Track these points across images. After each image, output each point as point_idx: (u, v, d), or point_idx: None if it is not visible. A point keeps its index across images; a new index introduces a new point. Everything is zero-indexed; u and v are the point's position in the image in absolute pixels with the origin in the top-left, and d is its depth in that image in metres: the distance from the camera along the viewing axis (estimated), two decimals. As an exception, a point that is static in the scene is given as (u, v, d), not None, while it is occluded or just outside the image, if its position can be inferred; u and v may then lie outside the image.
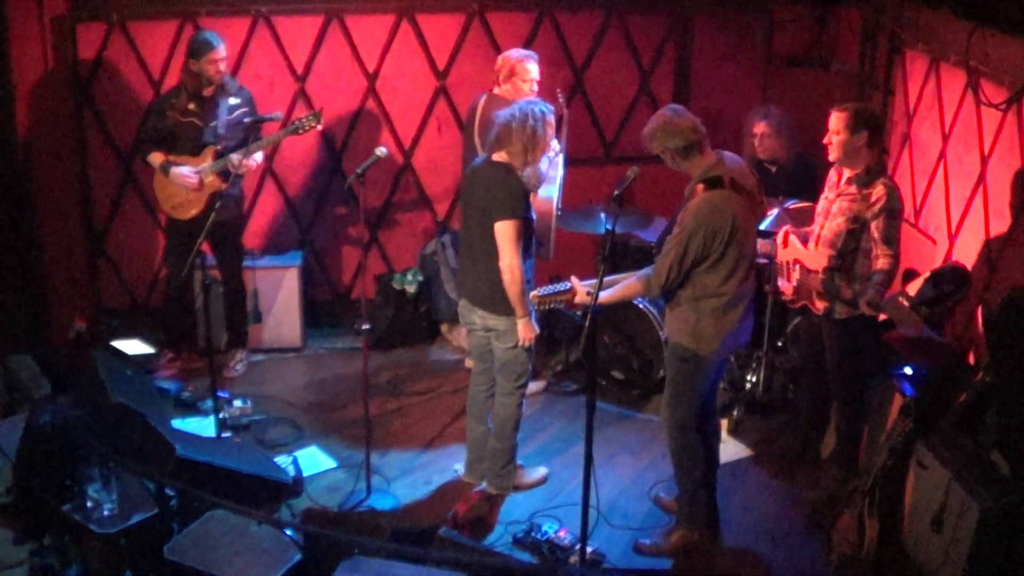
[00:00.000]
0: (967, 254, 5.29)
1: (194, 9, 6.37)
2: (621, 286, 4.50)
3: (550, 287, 4.55)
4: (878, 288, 4.60)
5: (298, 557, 4.01)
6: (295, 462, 5.31)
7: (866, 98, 6.36)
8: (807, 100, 6.49)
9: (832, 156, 4.81)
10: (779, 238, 5.29)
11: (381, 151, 5.03)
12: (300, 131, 5.79)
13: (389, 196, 6.97)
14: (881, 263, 4.67)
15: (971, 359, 5.09)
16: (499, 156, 4.80)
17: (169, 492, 4.30)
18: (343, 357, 6.65)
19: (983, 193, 5.19)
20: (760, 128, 5.99)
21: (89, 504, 4.20)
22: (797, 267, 5.10)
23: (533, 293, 4.59)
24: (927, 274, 5.15)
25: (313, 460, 5.50)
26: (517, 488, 5.21)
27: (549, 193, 5.67)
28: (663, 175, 4.82)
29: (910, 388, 4.77)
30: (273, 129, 6.10)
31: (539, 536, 4.81)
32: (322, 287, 7.09)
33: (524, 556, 4.74)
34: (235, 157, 5.81)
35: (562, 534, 4.80)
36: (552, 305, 4.60)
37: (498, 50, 6.44)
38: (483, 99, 5.84)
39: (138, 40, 6.41)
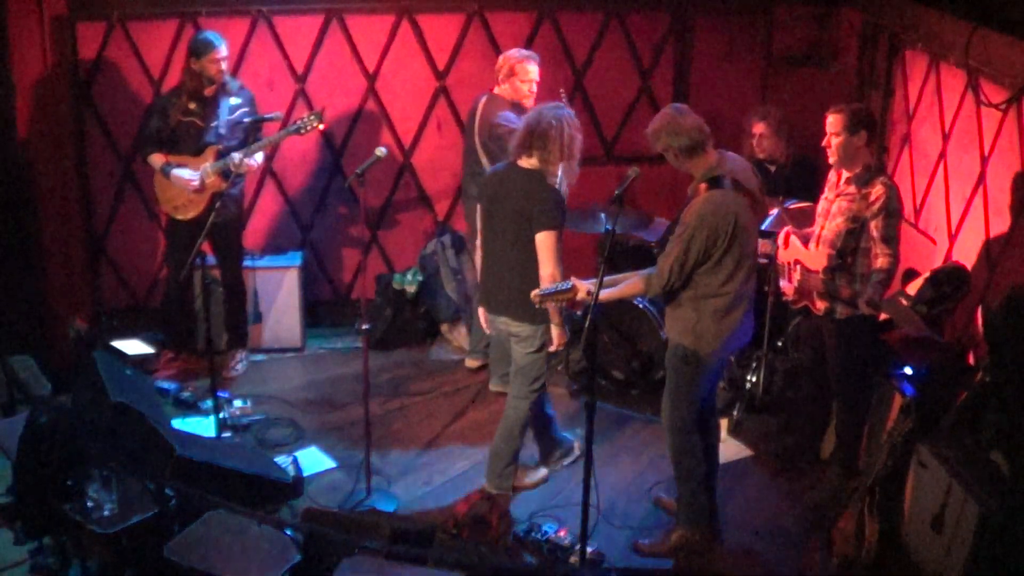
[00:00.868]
0: (967, 254, 5.29)
1: (194, 9, 6.36)
2: (622, 285, 4.51)
3: (551, 286, 4.56)
4: (878, 288, 4.60)
5: (298, 557, 4.01)
6: (295, 462, 5.31)
7: (866, 98, 6.36)
8: (807, 100, 6.48)
9: (832, 159, 4.81)
10: (780, 239, 5.29)
11: (381, 151, 5.03)
12: (302, 131, 5.79)
13: (389, 196, 6.97)
14: (881, 263, 4.67)
15: (971, 359, 5.08)
16: (528, 162, 4.77)
17: (169, 492, 4.29)
18: (343, 357, 6.65)
19: (983, 193, 5.19)
20: (759, 129, 6.00)
21: (89, 504, 4.19)
22: (798, 267, 5.10)
23: (534, 292, 4.60)
24: (927, 274, 5.15)
25: (313, 460, 5.50)
26: (516, 489, 5.22)
27: None
28: (663, 175, 4.83)
29: (910, 388, 4.77)
30: (274, 129, 6.11)
31: (539, 536, 4.81)
32: (322, 287, 7.09)
33: (524, 556, 4.74)
34: (236, 157, 5.81)
35: (562, 534, 4.80)
36: (553, 304, 4.61)
37: (498, 50, 6.44)
38: (483, 99, 5.84)
39: (138, 40, 6.41)
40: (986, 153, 5.16)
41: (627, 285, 4.52)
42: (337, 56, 6.63)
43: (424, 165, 6.94)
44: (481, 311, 5.10)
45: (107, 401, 4.54)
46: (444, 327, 6.91)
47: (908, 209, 5.78)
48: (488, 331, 5.16)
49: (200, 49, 5.77)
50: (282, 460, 5.26)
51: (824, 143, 4.83)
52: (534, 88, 5.77)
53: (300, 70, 6.63)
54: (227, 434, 5.60)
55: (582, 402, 4.92)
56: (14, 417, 5.15)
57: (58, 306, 6.44)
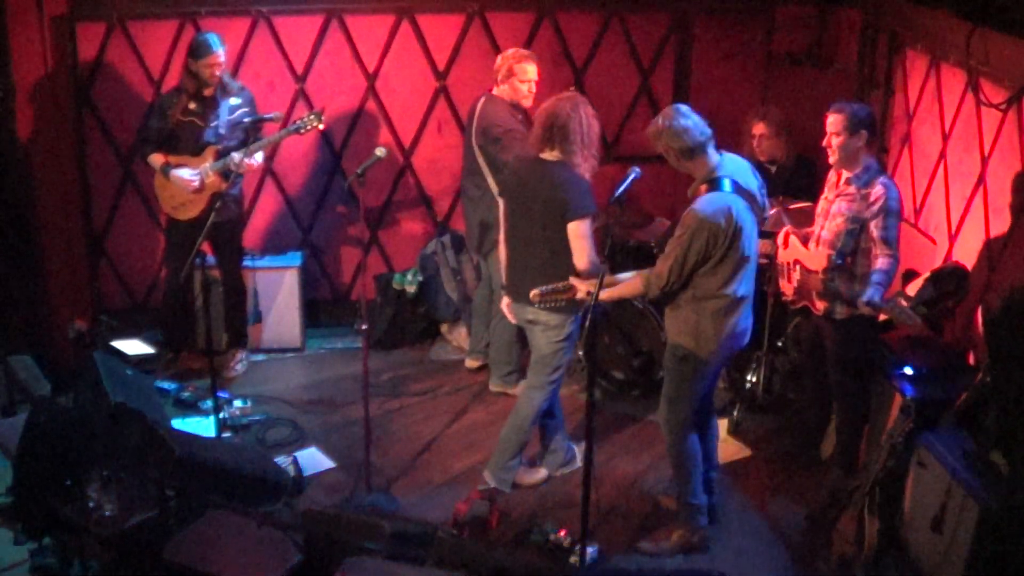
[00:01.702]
0: (967, 254, 5.29)
1: (194, 9, 6.36)
2: (621, 285, 4.51)
3: (550, 285, 4.56)
4: (878, 288, 4.60)
5: (298, 557, 4.01)
6: (295, 462, 5.31)
7: (866, 98, 6.35)
8: (807, 100, 6.48)
9: (832, 159, 4.81)
10: (780, 239, 5.29)
11: (381, 151, 5.03)
12: (302, 131, 5.79)
13: (389, 196, 6.97)
14: (881, 263, 4.67)
15: (971, 359, 5.08)
16: (551, 155, 4.79)
17: (169, 492, 4.29)
18: (343, 357, 6.65)
19: (983, 193, 5.19)
20: (759, 129, 5.99)
21: (89, 504, 4.19)
22: (798, 267, 5.10)
23: (533, 292, 4.60)
24: (927, 274, 5.14)
25: (313, 460, 5.50)
26: (515, 486, 5.22)
27: None
28: (664, 175, 4.83)
29: (910, 388, 4.77)
30: (274, 129, 6.11)
31: (539, 536, 4.81)
32: (322, 287, 7.09)
33: (524, 556, 4.74)
34: (236, 157, 5.81)
35: (562, 534, 4.79)
36: (551, 303, 4.61)
37: (498, 50, 6.43)
38: (482, 100, 5.84)
39: (138, 40, 6.41)
40: (986, 153, 5.16)
41: (626, 285, 4.53)
42: (337, 56, 6.63)
43: (424, 165, 6.94)
44: (506, 302, 5.10)
45: (107, 401, 4.54)
46: (444, 327, 6.90)
47: (908, 209, 5.78)
48: (513, 321, 5.17)
49: (198, 51, 5.77)
50: (282, 460, 5.26)
51: (824, 143, 4.82)
52: (533, 88, 5.77)
53: (300, 70, 6.63)
54: (227, 434, 5.60)
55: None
56: (14, 417, 5.16)
57: (58, 306, 6.44)
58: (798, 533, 4.96)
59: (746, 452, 5.63)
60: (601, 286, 4.19)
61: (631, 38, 6.85)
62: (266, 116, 6.03)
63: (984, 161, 5.17)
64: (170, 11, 6.38)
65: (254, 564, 3.99)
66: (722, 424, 5.68)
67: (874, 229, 4.69)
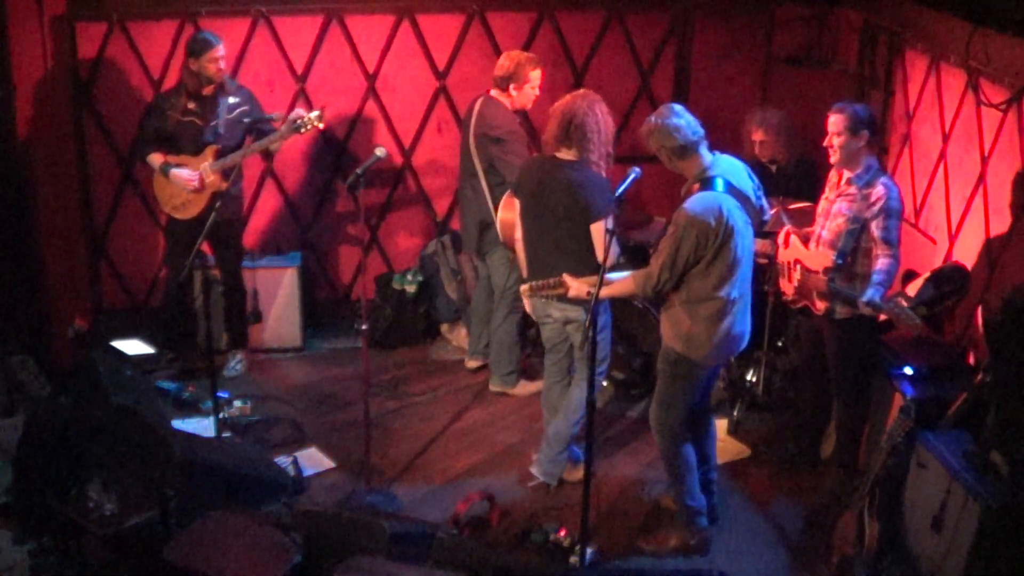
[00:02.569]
0: (967, 254, 5.29)
1: (194, 9, 6.37)
2: (614, 284, 4.47)
3: (541, 281, 4.56)
4: (878, 288, 4.60)
5: (298, 557, 4.01)
6: (295, 462, 5.31)
7: (866, 98, 6.35)
8: (807, 100, 6.49)
9: (833, 159, 4.81)
10: (780, 238, 5.29)
11: (381, 151, 5.03)
12: (302, 130, 5.78)
13: (389, 196, 6.97)
14: (881, 263, 4.67)
15: (971, 359, 5.08)
16: (568, 154, 4.81)
17: (169, 492, 4.30)
18: (343, 357, 6.64)
19: (983, 193, 5.19)
20: (759, 132, 5.98)
21: (89, 504, 4.20)
22: (798, 267, 5.10)
23: (523, 286, 4.61)
24: (927, 274, 5.15)
25: (313, 460, 5.50)
26: (563, 481, 5.24)
27: None
28: (663, 175, 4.81)
29: (910, 388, 4.77)
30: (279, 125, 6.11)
31: (539, 536, 4.81)
32: (322, 287, 7.09)
33: (524, 556, 4.74)
34: (236, 156, 5.83)
35: (562, 534, 4.79)
36: (542, 297, 4.61)
37: (498, 50, 6.44)
38: (480, 101, 5.83)
39: (138, 40, 6.41)
40: (986, 153, 5.16)
41: (619, 283, 4.47)
42: (337, 56, 6.63)
43: (424, 165, 6.94)
44: (530, 304, 5.10)
45: (107, 401, 4.55)
46: (444, 327, 6.90)
47: (908, 209, 5.77)
48: (534, 317, 5.19)
49: (198, 49, 5.77)
50: (282, 460, 5.26)
51: (825, 143, 4.82)
52: (538, 92, 5.79)
53: (300, 70, 6.63)
54: (227, 434, 5.60)
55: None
56: (14, 418, 5.16)
57: (58, 306, 6.44)
58: (798, 533, 4.96)
59: (746, 452, 5.63)
60: (600, 286, 4.18)
61: (631, 38, 6.85)
62: (270, 116, 6.02)
63: (984, 161, 5.17)
64: (170, 11, 6.38)
65: (254, 564, 3.99)
66: (722, 424, 5.69)
67: (875, 229, 4.69)
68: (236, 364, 6.42)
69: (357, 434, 5.46)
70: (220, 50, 5.79)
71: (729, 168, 4.45)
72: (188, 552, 4.01)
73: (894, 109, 6.23)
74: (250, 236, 6.75)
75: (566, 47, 6.80)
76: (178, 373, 6.31)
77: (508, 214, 5.52)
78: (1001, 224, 5.01)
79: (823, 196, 5.02)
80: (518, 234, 5.14)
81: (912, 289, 5.04)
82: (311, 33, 6.57)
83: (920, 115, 5.90)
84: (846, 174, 4.84)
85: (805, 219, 5.31)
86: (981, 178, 5.20)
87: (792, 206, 5.63)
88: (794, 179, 6.02)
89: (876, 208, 4.67)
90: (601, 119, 4.79)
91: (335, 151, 6.82)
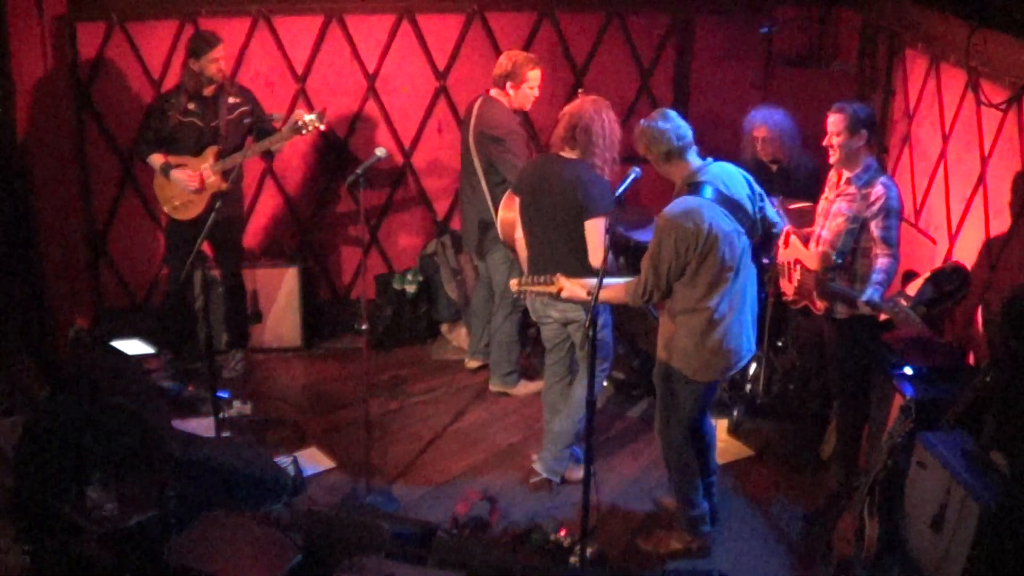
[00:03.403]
0: (967, 254, 5.29)
1: (194, 9, 6.37)
2: (610, 288, 4.39)
3: (534, 277, 4.57)
4: (877, 288, 4.60)
5: (298, 557, 4.01)
6: (295, 462, 5.31)
7: (866, 98, 6.35)
8: (807, 100, 6.47)
9: (833, 159, 4.81)
10: (780, 238, 5.29)
11: (381, 151, 5.04)
12: (303, 131, 5.78)
13: (389, 196, 6.97)
14: (881, 263, 4.67)
15: (971, 359, 5.08)
16: (571, 153, 4.85)
17: (169, 492, 4.30)
18: (343, 357, 6.65)
19: (983, 193, 5.18)
20: (762, 129, 5.97)
21: (89, 504, 4.20)
22: (798, 267, 5.10)
23: (513, 281, 4.61)
24: (927, 274, 5.14)
25: (313, 460, 5.50)
26: (565, 480, 5.26)
27: None
28: (663, 175, 4.81)
29: (910, 388, 4.77)
30: (282, 126, 6.10)
31: (539, 536, 4.81)
32: (322, 287, 7.09)
33: (524, 556, 4.74)
34: (237, 157, 5.84)
35: (562, 534, 4.79)
36: (532, 294, 4.61)
37: (498, 50, 6.44)
38: (479, 101, 5.84)
39: (138, 40, 6.41)
40: (986, 153, 5.16)
41: (612, 289, 4.41)
42: (337, 56, 6.63)
43: (424, 165, 6.94)
44: (533, 300, 5.10)
45: (107, 401, 4.55)
46: (444, 327, 6.91)
47: (908, 209, 5.78)
48: (534, 317, 5.21)
49: (199, 49, 5.77)
50: (282, 460, 5.26)
51: (825, 143, 4.82)
52: (537, 92, 5.79)
53: (300, 70, 6.63)
54: (227, 434, 5.60)
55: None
56: (13, 418, 5.16)
57: (58, 306, 6.44)
58: (798, 533, 4.95)
59: (746, 452, 5.63)
60: (600, 287, 4.18)
61: (631, 38, 6.85)
62: (268, 117, 6.02)
63: (984, 161, 5.17)
64: (170, 11, 6.38)
65: (254, 564, 3.99)
66: (722, 424, 5.69)
67: (874, 229, 4.69)
68: (236, 364, 6.42)
69: (357, 434, 5.46)
70: (220, 50, 5.79)
71: (722, 175, 4.37)
72: (188, 552, 4.01)
73: (894, 109, 6.23)
74: (250, 236, 6.75)
75: (566, 47, 6.80)
76: (178, 373, 6.31)
77: (508, 213, 5.53)
78: (1001, 224, 5.01)
79: (823, 196, 5.02)
80: (518, 233, 5.15)
81: (912, 289, 5.03)
82: (311, 33, 6.57)
83: (920, 115, 5.90)
84: (845, 174, 4.84)
85: (805, 219, 5.30)
86: (981, 178, 5.20)
87: (792, 206, 5.62)
88: (794, 179, 6.02)
89: (875, 208, 4.67)
90: (608, 125, 4.82)
91: (335, 151, 6.82)
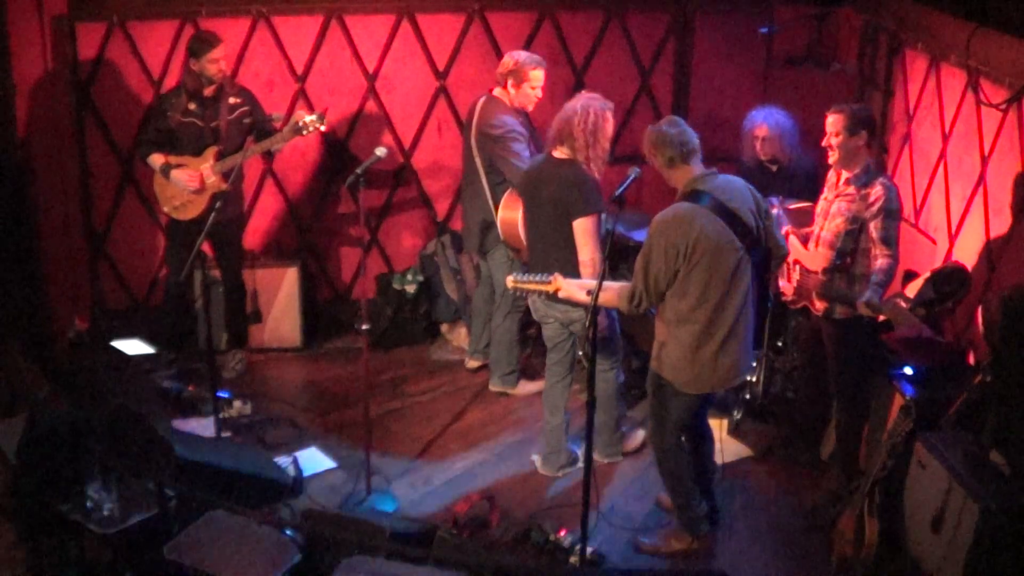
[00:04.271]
0: (967, 254, 5.29)
1: (194, 9, 6.36)
2: (607, 291, 4.35)
3: (531, 275, 4.57)
4: (877, 288, 4.60)
5: (298, 557, 4.01)
6: (295, 462, 5.31)
7: (866, 98, 6.36)
8: (807, 100, 6.47)
9: (832, 159, 4.81)
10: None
11: (381, 151, 5.04)
12: (304, 132, 5.78)
13: (389, 196, 6.97)
14: (880, 263, 4.67)
15: (971, 359, 5.08)
16: (561, 152, 4.88)
17: (169, 492, 4.30)
18: (343, 357, 6.64)
19: (983, 193, 5.19)
20: (763, 127, 5.98)
21: (89, 504, 4.20)
22: (797, 268, 5.10)
23: (509, 277, 4.61)
24: (927, 274, 5.15)
25: (313, 460, 5.49)
26: (625, 453, 5.44)
27: None
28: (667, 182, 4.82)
29: (910, 388, 4.77)
30: (282, 126, 6.10)
31: (539, 536, 4.81)
32: (322, 287, 7.09)
33: (524, 556, 4.74)
34: (238, 157, 5.84)
35: (562, 534, 4.79)
36: (527, 291, 4.61)
37: (498, 50, 6.45)
38: (482, 101, 5.84)
39: (138, 40, 6.41)
40: (986, 153, 5.16)
41: (606, 292, 4.33)
42: (337, 56, 6.63)
43: (424, 165, 6.94)
44: (535, 300, 5.11)
45: (107, 401, 4.54)
46: (444, 327, 6.91)
47: (908, 209, 5.78)
48: (535, 317, 5.23)
49: (199, 49, 5.77)
50: (282, 460, 5.26)
51: (824, 143, 4.82)
52: (539, 93, 5.79)
53: (300, 70, 6.63)
54: (227, 434, 5.60)
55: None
56: (14, 418, 5.15)
57: (58, 306, 6.44)
58: (798, 533, 4.95)
59: (746, 452, 5.63)
60: (600, 288, 4.17)
61: (631, 38, 6.86)
62: (269, 117, 6.02)
63: (984, 161, 5.17)
64: (170, 11, 6.38)
65: (254, 564, 3.99)
66: (722, 424, 5.68)
67: (873, 229, 4.69)
68: (236, 364, 6.42)
69: (357, 434, 5.46)
70: (220, 50, 5.79)
71: (724, 186, 4.33)
72: (188, 552, 4.01)
73: (894, 109, 6.23)
74: (250, 236, 6.75)
75: (566, 47, 6.80)
76: (178, 373, 6.31)
77: (508, 213, 5.54)
78: (1001, 224, 5.01)
79: (822, 196, 5.02)
80: (520, 231, 5.18)
81: (912, 289, 5.03)
82: (311, 33, 6.57)
83: (920, 115, 5.90)
84: (845, 174, 4.84)
85: (805, 219, 5.30)
86: (981, 178, 5.20)
87: (792, 206, 5.62)
88: (794, 179, 6.02)
89: (875, 208, 4.67)
90: (591, 119, 4.80)
91: (335, 151, 6.82)
